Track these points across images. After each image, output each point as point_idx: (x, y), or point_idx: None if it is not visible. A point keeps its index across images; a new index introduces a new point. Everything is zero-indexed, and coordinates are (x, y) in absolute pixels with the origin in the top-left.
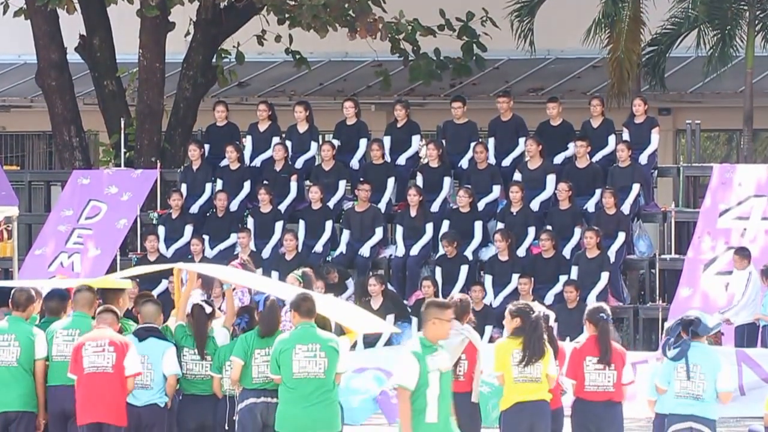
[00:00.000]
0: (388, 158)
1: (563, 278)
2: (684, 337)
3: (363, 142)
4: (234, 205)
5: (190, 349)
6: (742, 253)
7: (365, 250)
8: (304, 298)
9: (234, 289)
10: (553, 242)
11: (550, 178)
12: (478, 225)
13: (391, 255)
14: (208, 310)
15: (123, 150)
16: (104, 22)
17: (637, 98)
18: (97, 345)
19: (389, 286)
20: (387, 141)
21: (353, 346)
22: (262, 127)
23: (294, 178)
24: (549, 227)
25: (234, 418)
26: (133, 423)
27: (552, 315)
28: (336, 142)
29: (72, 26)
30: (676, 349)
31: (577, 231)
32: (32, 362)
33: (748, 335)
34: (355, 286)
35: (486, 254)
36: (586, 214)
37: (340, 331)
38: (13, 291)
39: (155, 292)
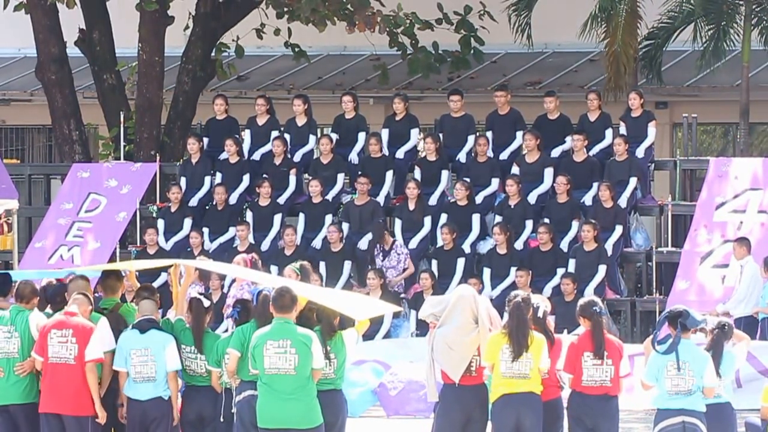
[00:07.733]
0: (386, 152)
1: (561, 271)
2: (672, 332)
3: (361, 136)
4: (233, 199)
5: (188, 345)
6: (743, 242)
7: (363, 244)
8: (281, 294)
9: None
10: (550, 235)
11: (548, 172)
12: (475, 218)
13: None
14: (206, 303)
15: (122, 143)
16: (104, 16)
17: (632, 92)
18: (61, 335)
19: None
20: (385, 134)
21: None
22: (261, 121)
23: (293, 171)
24: (547, 220)
25: (232, 410)
26: (138, 418)
27: (543, 306)
28: (334, 136)
29: (72, 20)
30: (664, 343)
31: (575, 224)
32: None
33: (747, 328)
34: (356, 279)
35: (484, 247)
36: (584, 208)
37: (344, 324)
38: (18, 283)
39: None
